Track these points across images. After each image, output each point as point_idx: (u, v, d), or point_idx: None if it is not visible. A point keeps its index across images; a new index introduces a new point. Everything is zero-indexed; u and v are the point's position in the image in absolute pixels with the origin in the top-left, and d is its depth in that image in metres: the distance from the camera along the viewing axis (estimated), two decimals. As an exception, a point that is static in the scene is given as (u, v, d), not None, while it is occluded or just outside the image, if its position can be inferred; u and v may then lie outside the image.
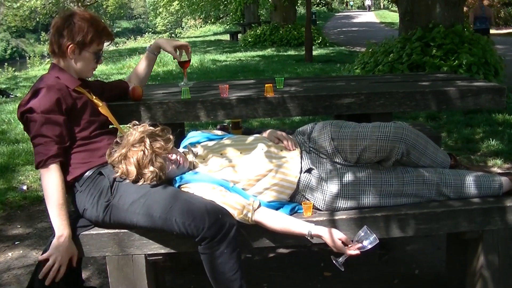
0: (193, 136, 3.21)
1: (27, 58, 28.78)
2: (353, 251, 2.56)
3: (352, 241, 2.60)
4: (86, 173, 2.82)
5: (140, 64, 3.62)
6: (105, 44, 3.12)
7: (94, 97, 3.02)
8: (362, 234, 2.55)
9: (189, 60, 3.76)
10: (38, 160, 2.70)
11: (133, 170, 2.70)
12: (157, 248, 2.80)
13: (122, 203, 2.70)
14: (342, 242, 2.58)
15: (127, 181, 2.74)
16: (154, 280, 2.99)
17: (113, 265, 2.83)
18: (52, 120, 2.72)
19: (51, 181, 2.68)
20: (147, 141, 2.73)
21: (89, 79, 3.17)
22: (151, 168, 2.70)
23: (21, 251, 4.10)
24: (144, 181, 2.71)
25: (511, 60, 12.57)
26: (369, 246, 2.54)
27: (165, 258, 2.90)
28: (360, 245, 2.55)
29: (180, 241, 2.79)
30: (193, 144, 3.11)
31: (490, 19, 14.14)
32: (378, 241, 2.54)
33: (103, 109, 3.02)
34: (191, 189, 2.78)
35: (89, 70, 3.05)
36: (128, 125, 2.95)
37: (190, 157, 2.95)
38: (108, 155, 2.81)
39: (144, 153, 2.70)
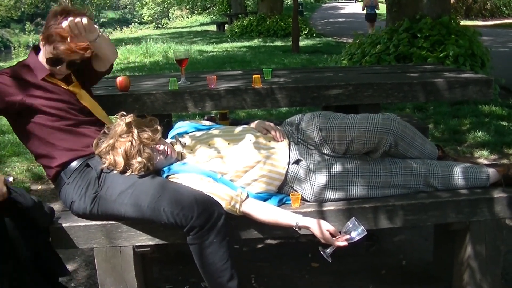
0: (180, 126, 3.19)
1: (12, 48, 28.52)
2: (341, 242, 2.56)
3: (340, 232, 2.60)
4: (73, 164, 2.80)
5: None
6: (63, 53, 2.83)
7: (72, 84, 2.96)
8: (350, 225, 2.55)
9: (187, 58, 3.67)
10: None
11: (120, 161, 2.69)
12: (145, 240, 2.79)
13: (109, 194, 2.68)
14: (330, 233, 2.58)
15: (115, 172, 2.73)
16: (142, 272, 2.98)
17: (101, 257, 2.82)
18: None
19: None
20: (135, 131, 2.72)
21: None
22: (139, 159, 2.69)
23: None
24: (132, 172, 2.70)
25: (497, 51, 12.65)
26: (357, 238, 2.54)
27: (153, 250, 2.89)
28: (348, 236, 2.55)
29: (168, 233, 2.78)
30: (181, 135, 3.09)
31: (377, 5, 18.49)
32: (366, 232, 2.55)
33: (81, 97, 2.97)
34: (179, 179, 2.76)
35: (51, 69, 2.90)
36: (115, 115, 2.93)
37: (178, 148, 2.94)
38: (95, 145, 2.79)
39: (132, 143, 2.68)
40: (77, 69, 2.98)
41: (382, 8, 15.63)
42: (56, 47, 2.79)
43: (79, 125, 2.88)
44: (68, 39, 2.77)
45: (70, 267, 3.72)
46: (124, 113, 2.87)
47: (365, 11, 18.74)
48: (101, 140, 2.77)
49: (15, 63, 3.02)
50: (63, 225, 2.76)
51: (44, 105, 2.79)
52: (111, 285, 2.84)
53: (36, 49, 2.94)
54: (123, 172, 2.72)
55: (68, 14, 2.76)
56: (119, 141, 2.70)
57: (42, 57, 2.88)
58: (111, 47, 3.13)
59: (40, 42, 2.88)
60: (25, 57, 2.96)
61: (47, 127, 2.80)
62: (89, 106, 2.98)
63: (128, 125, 2.74)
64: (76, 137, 2.85)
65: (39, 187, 5.19)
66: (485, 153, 5.78)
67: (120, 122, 2.78)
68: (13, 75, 2.79)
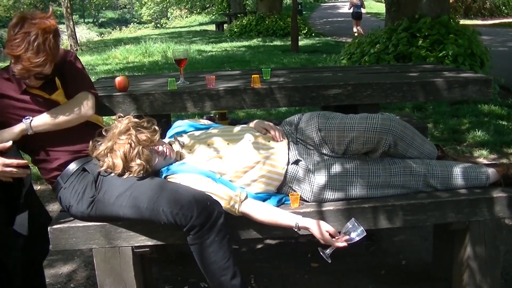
0: (179, 125, 3.18)
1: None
2: (340, 243, 2.56)
3: (339, 233, 2.60)
4: (69, 168, 2.79)
5: None
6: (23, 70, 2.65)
7: (55, 93, 2.84)
8: (350, 226, 2.55)
9: (186, 58, 3.65)
10: None
11: (119, 163, 2.67)
12: (144, 240, 2.79)
13: (107, 198, 2.67)
14: (330, 234, 2.58)
15: (112, 175, 2.72)
16: (141, 272, 2.98)
17: (100, 258, 2.81)
18: None
19: None
20: (133, 133, 2.70)
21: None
22: (138, 161, 2.68)
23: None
24: (131, 174, 2.69)
25: (497, 51, 12.64)
26: (357, 238, 2.54)
27: (152, 250, 2.89)
28: (347, 237, 2.54)
29: (168, 233, 2.77)
30: (179, 134, 3.08)
31: (363, 4, 20.16)
32: (366, 233, 2.54)
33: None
34: (177, 179, 2.76)
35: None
36: (113, 117, 2.90)
37: (176, 147, 2.93)
38: (92, 148, 2.77)
39: (130, 145, 2.67)
40: (61, 73, 2.87)
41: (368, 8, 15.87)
42: (12, 67, 2.67)
43: (67, 131, 2.82)
44: (23, 57, 2.59)
45: (69, 267, 3.72)
46: (122, 114, 2.86)
47: (351, 10, 20.22)
48: (98, 143, 2.75)
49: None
50: (62, 225, 2.76)
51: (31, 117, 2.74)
52: (110, 286, 2.83)
53: None
54: (121, 174, 2.70)
55: (24, 22, 2.60)
56: (117, 143, 2.69)
57: None
58: (69, 118, 2.81)
59: None
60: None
61: (33, 137, 2.77)
62: None
63: (126, 127, 2.73)
64: (65, 142, 2.83)
65: (39, 187, 5.19)
66: (484, 152, 5.78)
67: (118, 124, 2.76)
68: None
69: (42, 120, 2.74)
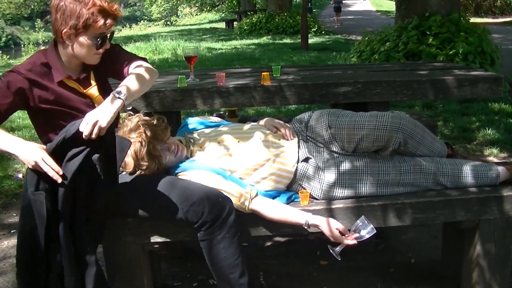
0: (189, 123, 3.19)
1: (22, 46, 28.63)
2: (350, 241, 2.56)
3: (349, 230, 2.60)
4: None
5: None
6: (109, 25, 2.62)
7: (89, 87, 2.77)
8: (360, 224, 2.55)
9: (196, 56, 3.64)
10: None
11: (130, 162, 2.68)
12: (153, 237, 2.79)
13: (119, 196, 2.67)
14: (340, 232, 2.58)
15: (123, 173, 2.72)
16: (150, 269, 2.99)
17: (109, 254, 2.82)
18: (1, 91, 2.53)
19: None
20: (144, 131, 2.69)
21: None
22: (149, 159, 2.68)
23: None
24: (142, 172, 2.69)
25: (507, 49, 12.58)
26: (367, 236, 2.54)
27: (161, 247, 2.89)
28: (357, 235, 2.55)
29: (177, 230, 2.78)
30: (190, 131, 3.09)
31: None
32: (376, 231, 2.54)
33: (96, 103, 2.76)
34: (188, 176, 2.76)
35: (91, 57, 2.67)
36: (123, 115, 2.88)
37: (186, 145, 2.93)
38: None
39: (141, 144, 2.66)
40: (97, 68, 2.80)
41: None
42: (99, 25, 2.56)
43: None
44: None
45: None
46: (131, 112, 2.83)
47: (333, 4, 23.63)
48: None
49: (33, 53, 2.82)
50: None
51: (55, 111, 2.64)
52: (119, 282, 2.84)
53: (56, 46, 2.69)
54: (133, 172, 2.71)
55: None
56: None
57: (64, 56, 2.67)
58: (146, 85, 2.69)
59: (62, 38, 2.60)
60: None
61: (53, 129, 2.69)
62: None
63: (136, 125, 2.71)
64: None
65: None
66: (494, 151, 5.75)
67: (128, 122, 2.75)
68: (28, 77, 2.57)
69: (132, 88, 2.50)
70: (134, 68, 2.70)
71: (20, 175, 5.29)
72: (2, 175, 5.33)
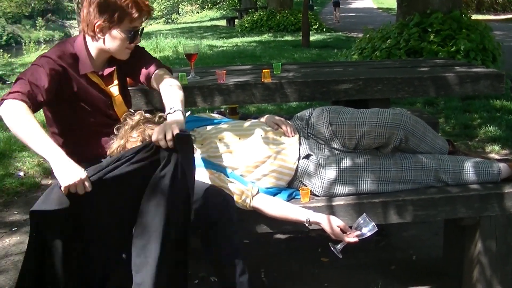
0: (190, 120, 3.18)
1: (23, 44, 28.67)
2: (351, 238, 2.56)
3: (350, 228, 2.60)
4: None
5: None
6: (142, 20, 2.70)
7: (111, 85, 2.80)
8: (361, 221, 2.55)
9: (196, 53, 3.64)
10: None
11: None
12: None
13: None
14: (341, 229, 2.58)
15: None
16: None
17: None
18: (39, 71, 2.50)
19: (12, 112, 2.38)
20: (145, 129, 2.67)
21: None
22: (151, 157, 2.67)
23: (19, 238, 4.09)
24: None
25: (509, 46, 12.56)
26: (368, 234, 2.53)
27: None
28: (358, 232, 2.54)
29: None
30: (191, 129, 3.08)
31: None
32: (377, 228, 2.54)
33: (114, 102, 2.83)
34: (189, 175, 2.75)
35: (122, 51, 2.73)
36: (124, 113, 2.86)
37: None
38: (107, 147, 2.76)
39: (142, 142, 2.65)
40: (120, 67, 2.83)
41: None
42: (133, 18, 2.63)
43: (96, 132, 2.79)
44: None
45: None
46: (132, 111, 2.81)
47: None
48: (111, 141, 2.72)
49: (61, 39, 2.80)
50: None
51: (73, 103, 2.67)
52: (119, 280, 2.84)
53: (85, 39, 2.73)
54: None
55: None
56: (129, 141, 2.64)
57: (93, 50, 2.72)
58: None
59: (94, 32, 2.64)
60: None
61: (66, 125, 2.74)
62: (119, 114, 2.84)
63: (137, 123, 2.69)
64: (86, 142, 2.79)
65: (50, 181, 5.21)
66: (496, 148, 5.75)
67: (129, 120, 2.71)
68: (59, 63, 2.57)
69: (181, 100, 2.64)
70: (169, 86, 2.77)
71: (22, 173, 5.30)
72: (4, 173, 5.33)
